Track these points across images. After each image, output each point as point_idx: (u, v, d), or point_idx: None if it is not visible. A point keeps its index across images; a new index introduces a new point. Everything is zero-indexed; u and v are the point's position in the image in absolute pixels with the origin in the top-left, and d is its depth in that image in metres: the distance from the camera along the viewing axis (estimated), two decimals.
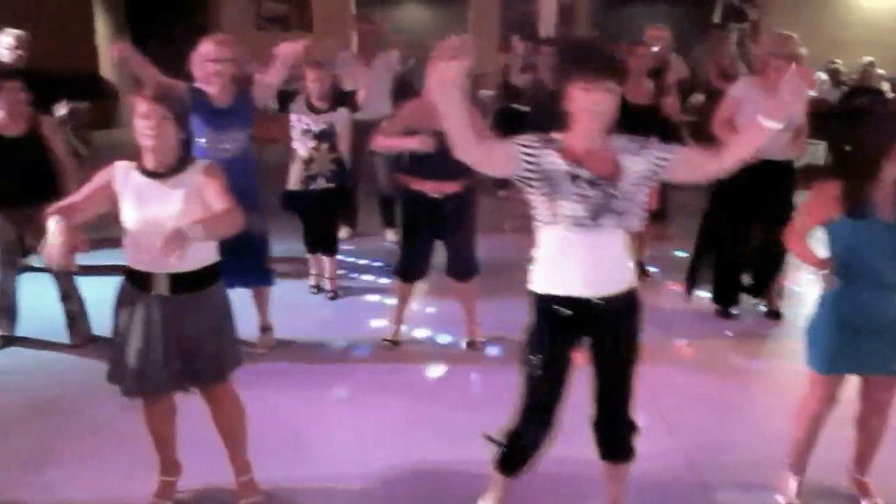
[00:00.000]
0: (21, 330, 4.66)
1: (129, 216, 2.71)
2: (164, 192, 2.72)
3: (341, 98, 5.29)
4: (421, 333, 4.82)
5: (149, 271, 2.76)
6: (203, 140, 3.99)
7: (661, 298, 5.44)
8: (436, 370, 4.38)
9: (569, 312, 2.62)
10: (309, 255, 5.49)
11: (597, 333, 2.70)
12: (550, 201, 2.55)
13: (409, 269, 4.47)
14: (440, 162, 3.63)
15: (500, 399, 2.96)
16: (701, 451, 3.59)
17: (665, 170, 2.58)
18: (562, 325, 2.65)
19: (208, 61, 4.00)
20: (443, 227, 4.31)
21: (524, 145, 2.54)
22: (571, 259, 2.58)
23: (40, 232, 4.30)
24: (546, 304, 2.66)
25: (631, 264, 2.73)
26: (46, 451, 3.56)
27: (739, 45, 7.11)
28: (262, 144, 5.94)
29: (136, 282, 2.81)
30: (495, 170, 2.63)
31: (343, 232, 6.33)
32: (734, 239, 4.98)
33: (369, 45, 6.73)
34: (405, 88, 5.64)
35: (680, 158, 2.59)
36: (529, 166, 2.53)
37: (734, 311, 5.15)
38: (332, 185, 5.16)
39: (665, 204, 5.51)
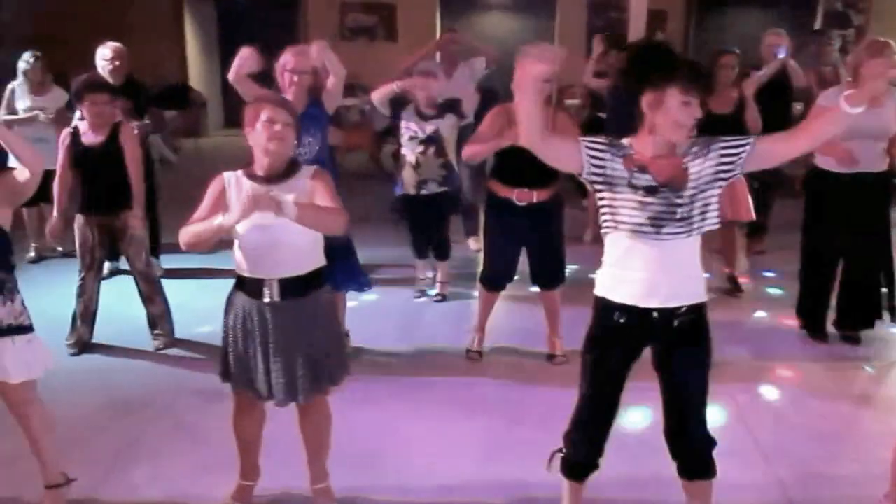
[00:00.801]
0: (104, 333, 4.73)
1: (241, 223, 2.69)
2: None
3: (448, 105, 5.34)
4: (503, 344, 4.71)
5: (259, 277, 2.79)
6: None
7: (752, 316, 5.19)
8: (515, 384, 4.27)
9: (623, 320, 2.58)
10: (417, 261, 5.59)
11: (660, 344, 2.63)
12: (612, 207, 2.54)
13: (494, 276, 4.44)
14: (527, 169, 3.57)
15: None
16: (801, 485, 3.32)
17: (737, 164, 2.48)
18: (619, 332, 2.60)
19: (286, 71, 4.12)
20: (529, 234, 4.25)
21: (589, 146, 2.53)
22: (633, 267, 2.55)
23: (122, 236, 4.45)
24: (605, 311, 2.62)
25: (702, 275, 2.63)
26: (127, 451, 3.60)
27: (842, 52, 6.76)
28: (342, 153, 5.97)
29: (246, 287, 2.83)
30: (564, 165, 2.63)
31: (473, 243, 6.44)
32: (829, 254, 4.68)
33: (451, 54, 6.69)
34: (489, 96, 5.61)
35: (751, 149, 2.48)
36: (594, 168, 2.52)
37: (828, 331, 4.81)
38: (443, 188, 5.25)
39: (766, 216, 5.26)
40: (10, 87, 6.21)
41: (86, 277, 4.54)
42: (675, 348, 2.61)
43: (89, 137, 4.41)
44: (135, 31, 11.51)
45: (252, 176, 2.79)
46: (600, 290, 2.65)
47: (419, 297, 5.53)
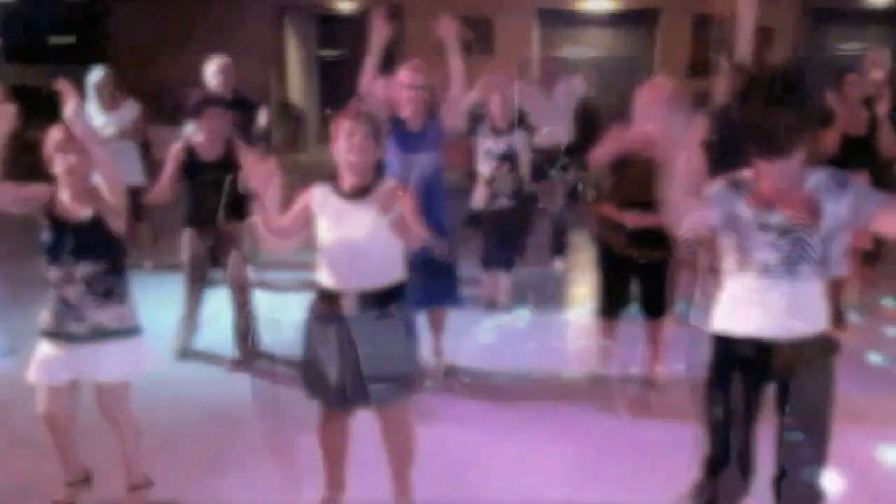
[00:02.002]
0: (203, 342, 4.84)
1: (326, 236, 2.82)
2: (358, 211, 2.79)
3: (520, 120, 5.40)
4: (595, 368, 4.54)
5: (340, 289, 2.83)
6: (395, 161, 4.16)
7: (863, 352, 4.81)
8: (607, 410, 4.14)
9: (745, 354, 2.51)
10: (483, 274, 5.60)
11: (781, 379, 2.54)
12: (740, 250, 2.48)
13: (610, 304, 4.25)
14: (641, 192, 3.55)
15: (670, 447, 2.93)
16: None
17: (863, 220, 2.39)
18: (743, 367, 2.53)
19: (403, 87, 4.13)
20: (640, 261, 4.08)
21: (714, 198, 2.49)
22: (758, 303, 2.48)
23: (224, 247, 4.52)
24: (727, 345, 2.56)
25: (824, 308, 2.53)
26: (215, 459, 3.65)
27: None
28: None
29: (328, 299, 2.88)
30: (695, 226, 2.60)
31: (558, 264, 6.46)
32: None
33: (550, 74, 6.63)
34: (589, 114, 5.51)
35: (881, 212, 2.36)
36: (719, 216, 2.48)
37: None
38: (513, 203, 5.32)
39: (880, 244, 4.93)
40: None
41: (192, 288, 4.64)
42: (797, 382, 2.51)
43: (205, 152, 4.46)
44: (235, 47, 11.92)
45: (339, 190, 2.85)
46: (720, 325, 2.58)
47: (487, 309, 5.51)
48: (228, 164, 4.42)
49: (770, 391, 2.57)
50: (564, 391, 4.36)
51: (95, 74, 6.27)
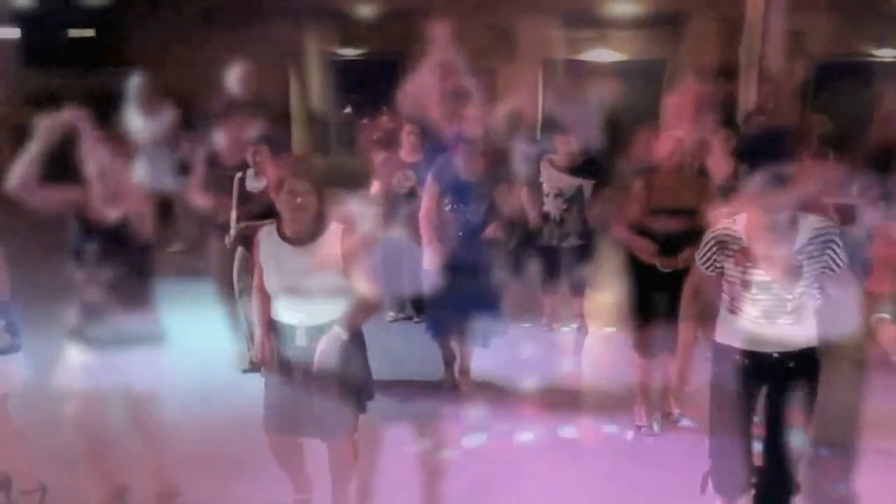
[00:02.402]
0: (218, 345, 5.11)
1: (272, 278, 3.00)
2: (302, 259, 2.95)
3: (588, 164, 5.53)
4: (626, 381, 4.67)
5: (290, 323, 3.03)
6: (448, 206, 4.41)
7: None
8: (627, 433, 4.33)
9: (747, 361, 2.80)
10: (545, 297, 5.97)
11: (771, 386, 2.83)
12: (730, 295, 2.80)
13: (643, 341, 4.29)
14: (672, 198, 3.84)
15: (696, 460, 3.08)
16: None
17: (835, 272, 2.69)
18: (741, 374, 2.81)
19: (458, 142, 4.32)
20: (670, 299, 4.04)
21: (703, 259, 2.82)
22: (750, 328, 2.76)
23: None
24: (724, 353, 2.87)
25: (812, 324, 2.76)
26: (237, 466, 3.82)
27: None
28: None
29: (279, 330, 3.08)
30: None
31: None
32: None
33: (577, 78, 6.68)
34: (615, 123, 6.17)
35: (837, 281, 2.68)
36: (715, 270, 2.82)
37: None
38: (582, 241, 5.57)
39: None
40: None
41: (222, 295, 4.97)
42: (784, 388, 2.79)
43: (252, 182, 4.84)
44: (255, 48, 11.87)
45: (283, 235, 3.00)
46: (719, 335, 2.90)
47: (546, 331, 5.95)
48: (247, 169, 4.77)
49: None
50: (596, 403, 4.57)
51: (134, 80, 6.42)
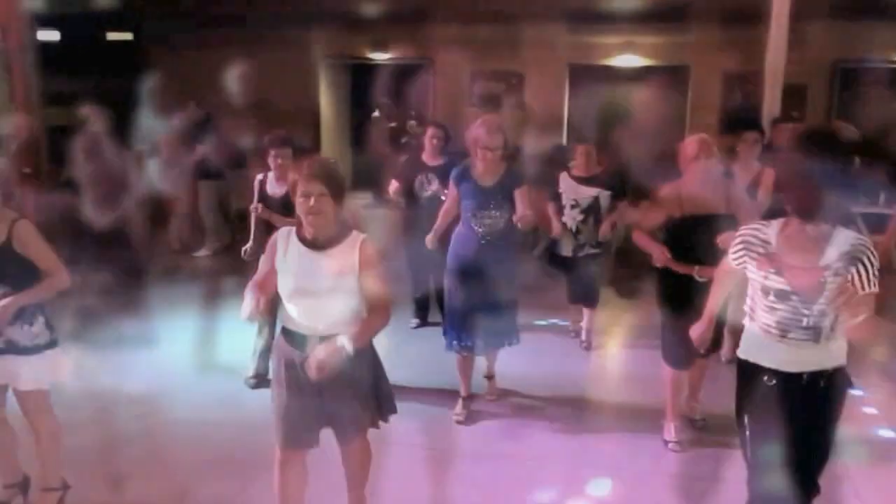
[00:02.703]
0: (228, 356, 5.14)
1: (288, 283, 2.89)
2: (321, 261, 2.85)
3: (606, 174, 5.68)
4: (639, 407, 4.71)
5: (302, 332, 2.93)
6: (468, 212, 4.37)
7: None
8: (646, 444, 4.28)
9: (775, 381, 2.68)
10: (571, 306, 6.07)
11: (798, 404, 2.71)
12: (751, 302, 2.73)
13: (678, 353, 4.14)
14: (711, 247, 3.69)
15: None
16: None
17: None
18: (768, 394, 2.71)
19: (478, 146, 4.23)
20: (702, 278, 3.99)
21: (734, 258, 2.75)
22: (769, 345, 2.68)
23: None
24: (756, 375, 2.75)
25: (829, 348, 2.65)
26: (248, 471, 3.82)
27: None
28: None
29: (290, 338, 2.98)
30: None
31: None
32: None
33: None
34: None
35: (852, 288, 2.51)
36: (740, 267, 2.76)
37: None
38: (597, 251, 5.67)
39: None
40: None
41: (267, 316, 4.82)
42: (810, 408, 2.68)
43: (273, 187, 4.85)
44: (272, 94, 12.15)
45: (302, 238, 2.90)
46: (743, 352, 2.80)
47: (573, 336, 5.98)
48: (290, 201, 4.71)
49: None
50: (609, 425, 4.54)
51: (150, 82, 6.57)
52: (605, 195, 5.54)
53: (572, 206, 5.54)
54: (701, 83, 11.28)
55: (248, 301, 2.77)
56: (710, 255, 3.77)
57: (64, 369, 3.39)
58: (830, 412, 2.68)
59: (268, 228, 4.73)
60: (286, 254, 2.88)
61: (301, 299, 2.84)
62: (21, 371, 3.26)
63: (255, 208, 4.86)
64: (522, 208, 4.29)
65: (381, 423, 3.16)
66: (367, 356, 2.98)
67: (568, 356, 5.69)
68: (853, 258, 2.51)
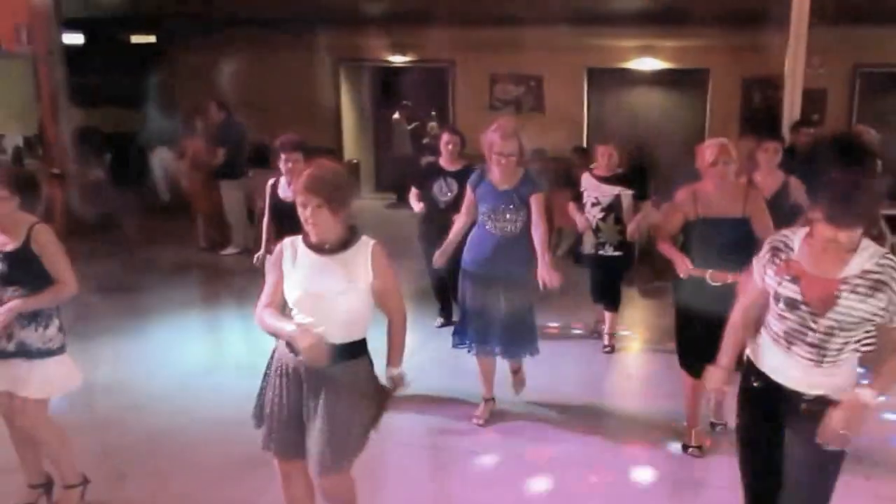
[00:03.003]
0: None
1: (294, 288, 2.83)
2: (327, 269, 2.81)
3: (628, 173, 5.70)
4: (659, 411, 4.68)
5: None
6: (484, 215, 4.33)
7: None
8: (660, 453, 4.24)
9: (761, 385, 2.64)
10: (595, 305, 6.02)
11: (792, 426, 2.61)
12: (766, 311, 2.63)
13: (689, 361, 4.05)
14: (725, 252, 3.69)
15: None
16: None
17: (883, 324, 2.44)
18: (757, 400, 2.67)
19: (493, 153, 4.19)
20: (719, 315, 3.93)
21: (761, 269, 2.62)
22: (773, 356, 2.61)
23: None
24: (749, 374, 2.71)
25: (847, 374, 2.54)
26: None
27: None
28: None
29: (290, 347, 2.86)
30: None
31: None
32: None
33: None
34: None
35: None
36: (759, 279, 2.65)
37: None
38: (618, 252, 5.63)
39: None
40: None
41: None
42: (799, 436, 2.55)
43: (285, 191, 4.76)
44: (293, 95, 12.30)
45: (308, 244, 2.85)
46: (751, 352, 2.73)
47: (595, 337, 5.97)
48: None
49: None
50: (642, 423, 4.54)
51: (154, 81, 6.67)
52: (626, 194, 5.57)
53: (593, 204, 5.57)
54: (720, 87, 11.29)
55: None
56: (723, 259, 3.77)
57: (75, 378, 3.38)
58: (822, 454, 2.50)
59: (279, 234, 4.65)
60: (294, 261, 2.85)
61: (309, 304, 2.79)
62: (31, 377, 3.21)
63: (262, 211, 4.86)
64: (537, 216, 4.26)
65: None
66: (356, 386, 2.86)
67: (589, 359, 5.68)
68: (876, 283, 2.38)
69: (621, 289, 5.91)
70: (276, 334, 2.85)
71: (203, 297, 7.12)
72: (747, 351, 2.74)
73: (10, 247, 3.19)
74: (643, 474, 4.00)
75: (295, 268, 2.84)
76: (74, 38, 10.32)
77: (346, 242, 2.83)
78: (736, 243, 3.75)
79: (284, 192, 4.76)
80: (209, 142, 8.68)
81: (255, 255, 5.02)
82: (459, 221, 4.51)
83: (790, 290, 2.45)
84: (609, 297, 5.83)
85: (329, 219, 2.75)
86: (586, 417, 4.63)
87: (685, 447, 4.25)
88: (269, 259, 3.03)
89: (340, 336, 2.79)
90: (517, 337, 4.40)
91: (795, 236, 2.53)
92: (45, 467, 3.56)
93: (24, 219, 3.25)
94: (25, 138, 11.40)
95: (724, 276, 3.77)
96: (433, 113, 12.94)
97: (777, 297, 2.48)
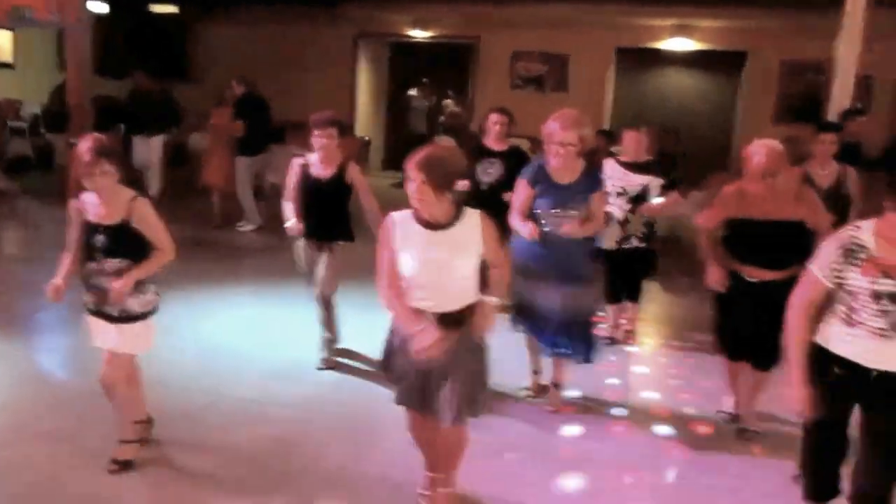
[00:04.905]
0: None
1: (409, 262, 2.98)
2: (443, 243, 2.96)
3: (657, 161, 5.33)
4: (689, 410, 4.50)
5: (421, 308, 3.02)
6: (542, 211, 4.08)
7: None
8: (683, 452, 4.06)
9: (842, 372, 2.67)
10: (607, 306, 5.54)
11: (869, 404, 2.70)
12: (851, 311, 2.61)
13: (729, 344, 4.06)
14: (765, 251, 3.63)
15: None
16: None
17: None
18: (835, 385, 2.70)
19: (552, 142, 3.96)
20: (755, 308, 3.84)
21: (824, 272, 2.65)
22: (862, 343, 2.62)
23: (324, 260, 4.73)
24: (824, 360, 2.72)
25: None
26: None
27: None
28: None
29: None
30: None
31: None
32: None
33: None
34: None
35: None
36: (835, 282, 2.64)
37: None
38: (643, 245, 5.32)
39: None
40: None
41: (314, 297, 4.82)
42: (883, 411, 2.67)
43: (318, 170, 4.58)
44: (310, 69, 11.96)
45: (421, 221, 2.98)
46: (822, 339, 2.74)
47: (609, 343, 5.43)
48: (340, 185, 4.56)
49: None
50: (657, 420, 4.36)
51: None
52: (655, 184, 5.16)
53: (619, 195, 5.15)
54: (757, 70, 10.74)
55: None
56: (768, 261, 3.74)
57: (153, 338, 3.58)
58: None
59: (308, 215, 4.59)
60: (406, 236, 2.99)
61: (424, 277, 2.96)
62: (123, 334, 3.44)
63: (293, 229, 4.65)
64: (598, 214, 4.11)
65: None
66: (475, 348, 3.09)
67: (607, 355, 5.22)
68: None
69: (643, 284, 5.59)
70: (399, 320, 3.02)
71: (222, 273, 6.86)
72: (818, 340, 2.75)
73: (111, 220, 3.35)
74: (651, 472, 3.85)
75: (409, 243, 2.98)
76: (99, 7, 10.06)
77: (453, 219, 2.98)
78: (783, 245, 3.69)
79: (318, 170, 4.57)
80: (232, 116, 8.43)
81: (290, 227, 4.65)
82: (519, 213, 4.16)
83: (889, 286, 2.49)
84: (631, 289, 5.52)
85: (432, 196, 2.88)
86: (600, 415, 4.43)
87: (718, 411, 4.30)
88: (379, 237, 3.10)
89: (456, 303, 3.01)
90: (578, 336, 4.21)
91: (863, 232, 2.55)
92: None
93: (124, 192, 3.39)
94: (43, 107, 11.23)
95: (762, 275, 3.76)
96: (450, 91, 12.52)
97: (877, 296, 2.51)
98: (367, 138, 12.23)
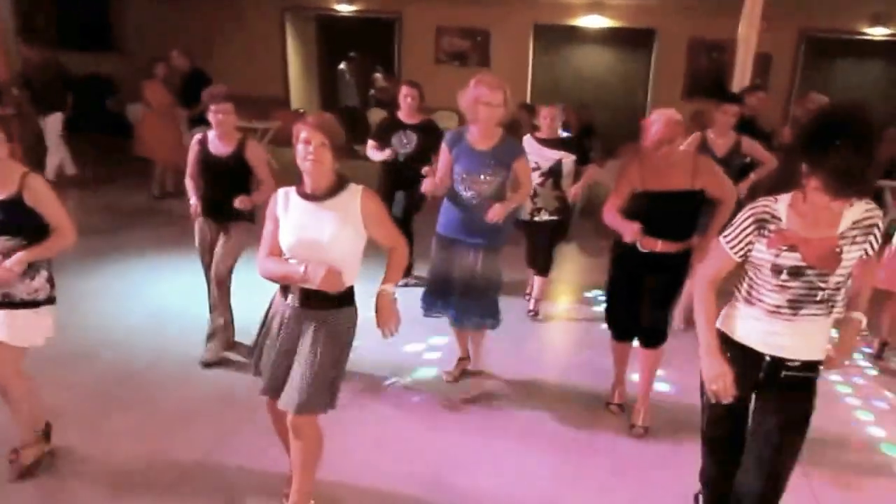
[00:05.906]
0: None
1: (287, 235, 2.88)
2: (319, 213, 2.85)
3: (571, 138, 5.51)
4: (586, 386, 4.57)
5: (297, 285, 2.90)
6: (458, 176, 4.10)
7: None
8: (587, 430, 4.10)
9: (735, 355, 2.60)
10: (529, 271, 5.86)
11: (763, 393, 2.63)
12: (751, 284, 2.57)
13: (616, 324, 4.10)
14: (660, 222, 3.63)
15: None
16: None
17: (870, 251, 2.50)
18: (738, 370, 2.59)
19: (479, 103, 3.92)
20: (647, 283, 3.90)
21: (732, 243, 2.55)
22: (759, 326, 2.57)
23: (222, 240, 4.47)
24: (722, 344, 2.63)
25: (825, 340, 2.58)
26: (221, 439, 3.76)
27: None
28: None
29: (282, 288, 2.97)
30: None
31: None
32: None
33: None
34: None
35: (868, 259, 2.51)
36: (741, 256, 2.56)
37: None
38: (554, 218, 5.48)
39: None
40: None
41: (207, 274, 4.64)
42: (777, 401, 2.59)
43: (216, 147, 4.42)
44: (239, 46, 11.93)
45: (301, 193, 2.90)
46: (722, 324, 2.67)
47: (528, 299, 5.81)
48: (238, 162, 4.38)
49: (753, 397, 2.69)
50: (551, 403, 4.34)
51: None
52: (568, 160, 5.38)
53: (533, 169, 5.12)
54: (666, 47, 11.38)
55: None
56: (666, 230, 3.72)
57: (48, 329, 3.28)
58: (803, 406, 2.59)
59: (207, 192, 4.49)
60: (287, 209, 2.90)
61: (302, 250, 2.84)
62: (10, 323, 3.14)
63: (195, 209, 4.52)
64: (525, 182, 4.13)
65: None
66: (338, 335, 2.92)
67: (518, 325, 5.44)
68: (868, 227, 2.44)
69: (553, 254, 5.76)
70: (284, 278, 2.86)
71: (163, 240, 6.98)
72: (717, 324, 2.66)
73: (1, 196, 3.07)
74: (564, 450, 3.89)
75: (288, 216, 2.89)
76: None
77: (335, 189, 2.87)
78: (679, 215, 3.74)
79: (216, 147, 4.41)
80: (173, 91, 8.41)
81: (192, 207, 4.55)
82: (440, 179, 4.19)
83: (792, 259, 2.42)
84: (540, 262, 5.70)
85: (329, 159, 2.80)
86: (511, 391, 4.50)
87: (607, 404, 4.29)
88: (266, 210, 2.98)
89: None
90: (475, 306, 4.22)
91: (779, 205, 2.47)
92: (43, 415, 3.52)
93: (15, 167, 3.13)
94: None
95: (654, 245, 3.74)
96: (378, 66, 12.72)
97: (777, 269, 2.44)
98: (302, 111, 12.36)
